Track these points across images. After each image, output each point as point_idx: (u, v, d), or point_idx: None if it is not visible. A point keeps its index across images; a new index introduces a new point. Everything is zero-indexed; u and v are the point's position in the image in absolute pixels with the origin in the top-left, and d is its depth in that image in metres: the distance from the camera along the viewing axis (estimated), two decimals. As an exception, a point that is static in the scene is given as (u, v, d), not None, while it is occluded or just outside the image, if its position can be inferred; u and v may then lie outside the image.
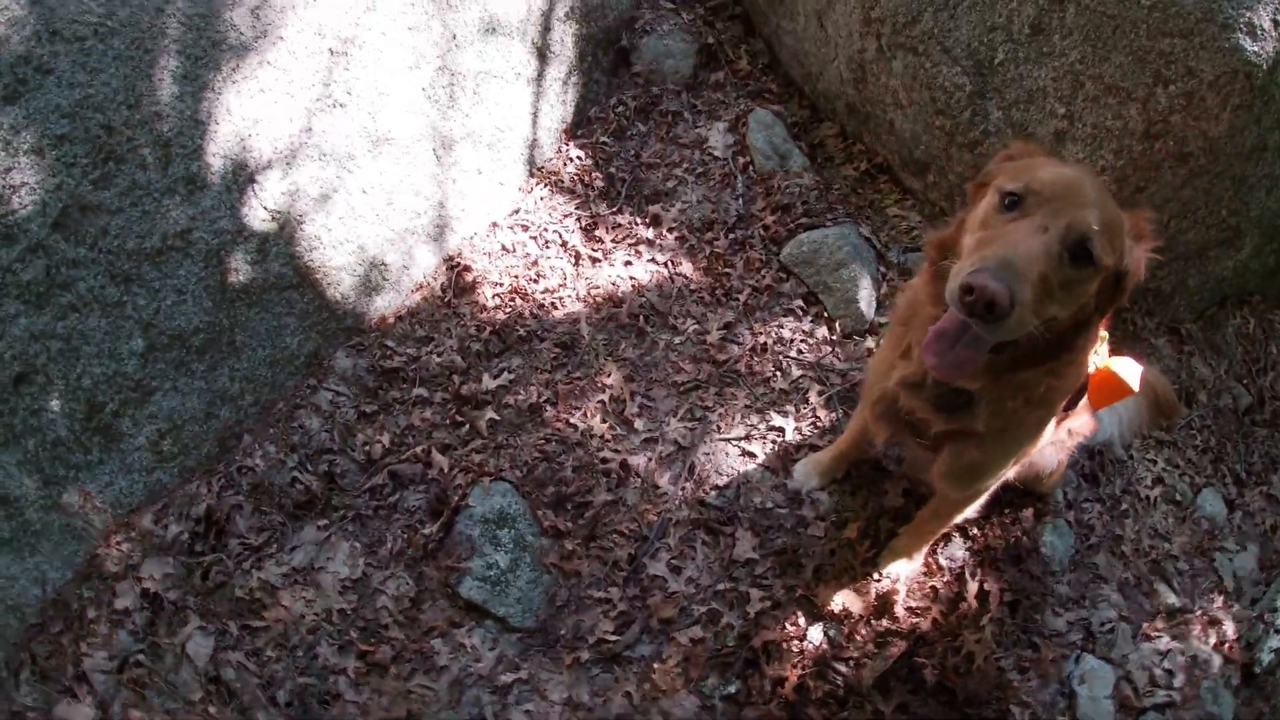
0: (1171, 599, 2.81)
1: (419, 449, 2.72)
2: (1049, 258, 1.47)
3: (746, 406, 2.89)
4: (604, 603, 2.56)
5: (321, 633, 2.44)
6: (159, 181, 2.32)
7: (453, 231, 3.10)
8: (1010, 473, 2.21)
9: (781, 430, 2.85)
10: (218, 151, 2.41)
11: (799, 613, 2.55)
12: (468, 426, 2.79)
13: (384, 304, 2.95)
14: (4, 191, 2.09)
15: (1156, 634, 2.75)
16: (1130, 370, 1.90)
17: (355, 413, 2.77)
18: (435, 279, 3.05)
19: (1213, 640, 2.75)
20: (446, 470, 2.69)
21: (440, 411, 2.81)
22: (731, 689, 2.47)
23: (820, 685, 2.50)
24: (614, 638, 2.50)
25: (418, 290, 3.02)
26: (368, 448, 2.71)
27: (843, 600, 2.57)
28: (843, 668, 2.53)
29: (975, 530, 2.76)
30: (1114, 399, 1.97)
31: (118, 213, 2.28)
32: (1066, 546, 2.82)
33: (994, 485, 2.24)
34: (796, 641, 2.53)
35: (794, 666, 2.49)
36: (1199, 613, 2.79)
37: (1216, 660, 2.72)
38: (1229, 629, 2.77)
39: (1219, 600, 2.83)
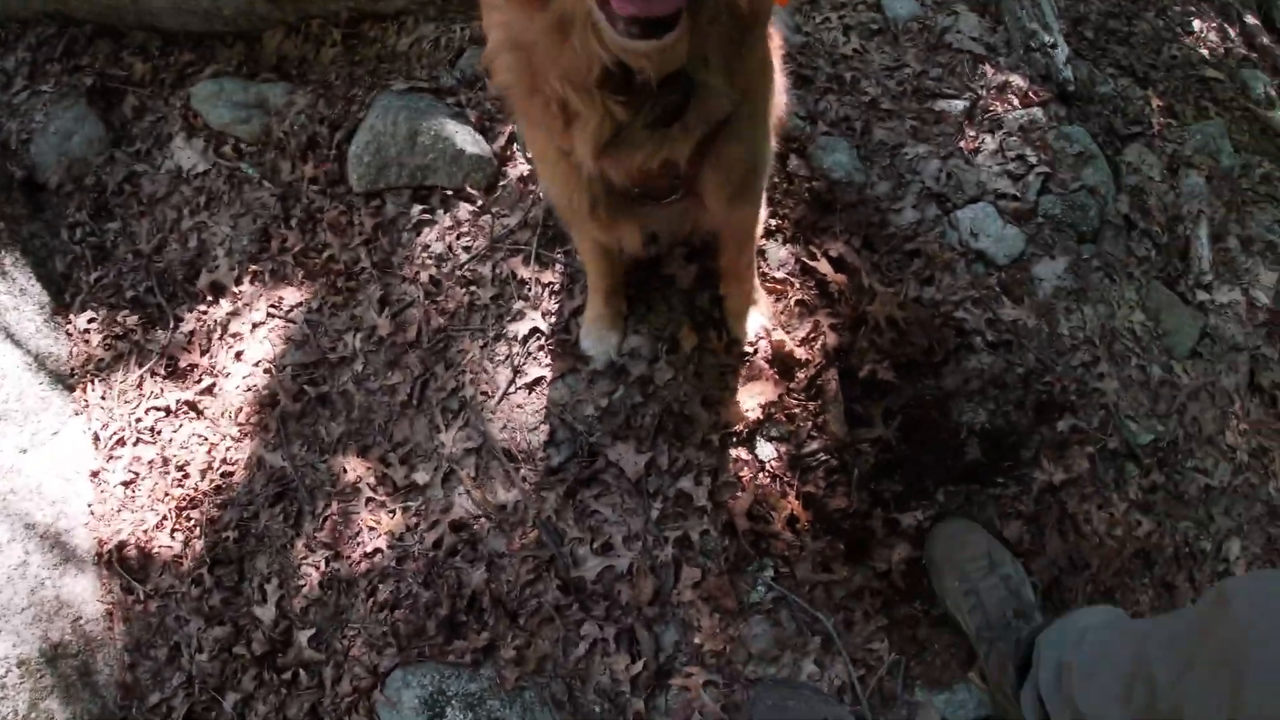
0: (949, 105, 2.50)
1: (292, 745, 2.04)
2: None
3: (483, 347, 2.23)
4: (595, 648, 1.98)
5: None
6: None
7: (70, 532, 2.28)
8: (775, 140, 1.64)
9: (536, 330, 2.21)
10: None
11: (735, 451, 2.03)
12: (302, 670, 2.09)
13: (103, 674, 2.16)
14: None
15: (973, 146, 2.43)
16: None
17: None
18: (110, 589, 2.26)
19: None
20: (338, 728, 2.02)
21: (268, 690, 2.09)
22: (769, 573, 1.98)
23: (814, 477, 2.03)
24: (638, 666, 1.94)
25: (109, 620, 2.23)
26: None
27: (750, 399, 2.06)
28: (814, 444, 2.05)
29: (772, 221, 2.24)
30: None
31: None
32: (849, 152, 2.35)
33: (772, 163, 1.69)
34: (762, 475, 2.01)
35: (784, 497, 1.99)
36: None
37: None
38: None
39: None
